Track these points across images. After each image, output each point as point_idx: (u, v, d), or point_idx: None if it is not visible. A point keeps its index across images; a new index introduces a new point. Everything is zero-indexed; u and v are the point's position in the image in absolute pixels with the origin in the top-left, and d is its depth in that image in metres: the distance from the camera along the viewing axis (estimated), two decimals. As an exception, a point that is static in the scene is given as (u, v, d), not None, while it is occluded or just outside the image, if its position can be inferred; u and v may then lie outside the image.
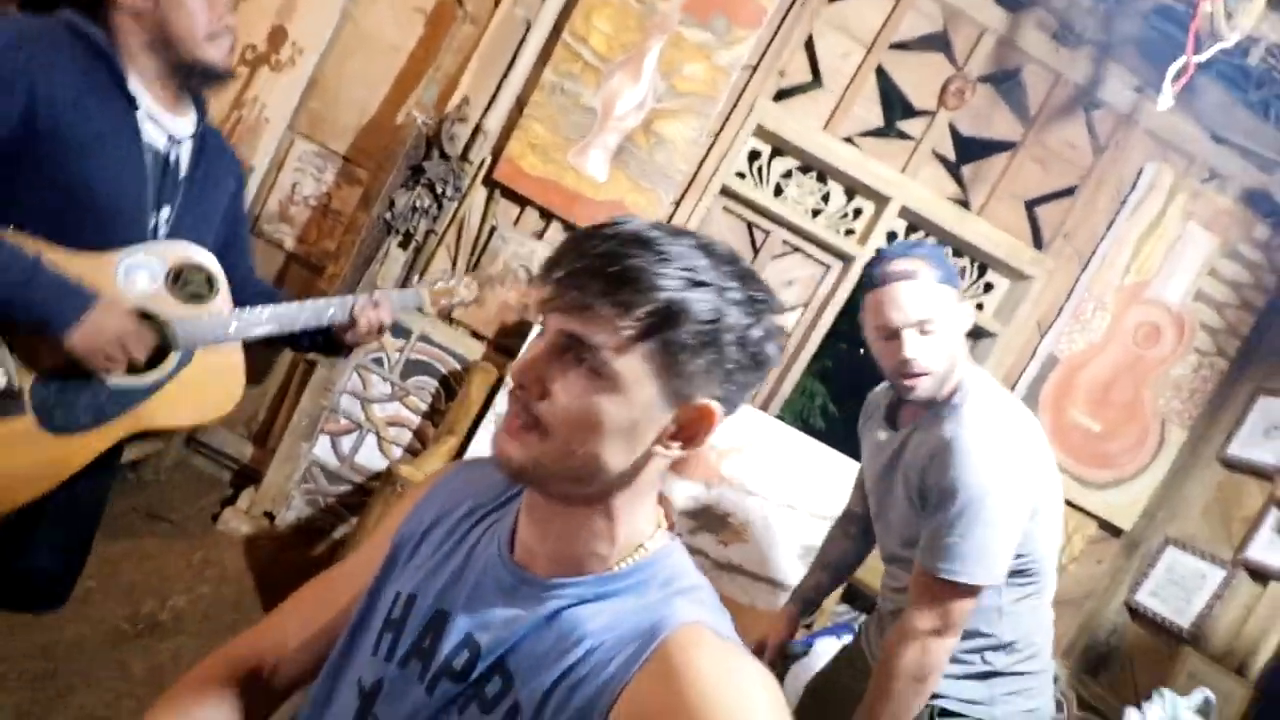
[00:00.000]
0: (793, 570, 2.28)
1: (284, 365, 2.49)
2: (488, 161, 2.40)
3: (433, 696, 0.62)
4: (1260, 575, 2.23)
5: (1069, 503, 2.40)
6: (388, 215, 2.37)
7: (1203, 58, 1.69)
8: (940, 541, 1.18)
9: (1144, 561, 2.51)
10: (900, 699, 1.20)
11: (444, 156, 2.40)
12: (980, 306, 2.56)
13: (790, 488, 2.30)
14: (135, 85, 1.11)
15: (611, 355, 0.56)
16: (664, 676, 0.54)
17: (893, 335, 1.22)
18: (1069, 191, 2.48)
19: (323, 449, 2.45)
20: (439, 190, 2.38)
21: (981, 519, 1.16)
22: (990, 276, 2.55)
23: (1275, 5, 1.68)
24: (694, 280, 0.55)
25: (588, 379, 0.57)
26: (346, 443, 2.45)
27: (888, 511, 1.36)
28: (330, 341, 1.36)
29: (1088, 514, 2.55)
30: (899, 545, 1.34)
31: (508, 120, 2.40)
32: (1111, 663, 2.51)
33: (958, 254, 2.54)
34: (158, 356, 1.17)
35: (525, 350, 0.61)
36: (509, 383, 2.34)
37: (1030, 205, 2.50)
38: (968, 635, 1.25)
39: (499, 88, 2.40)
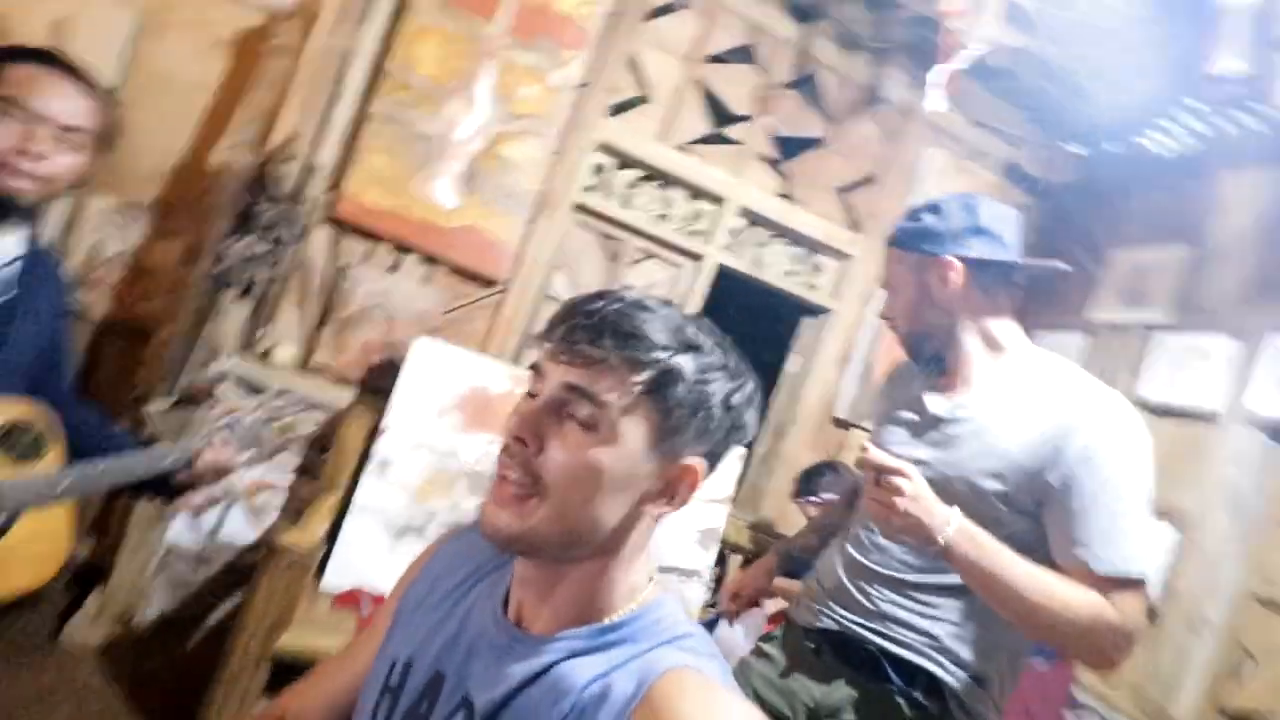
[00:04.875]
0: (692, 555, 2.42)
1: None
2: (328, 200, 2.28)
3: None
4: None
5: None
6: (219, 269, 2.18)
7: (957, 65, 2.04)
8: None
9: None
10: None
11: (273, 199, 2.26)
12: (814, 286, 2.86)
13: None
14: None
15: (616, 410, 0.58)
16: None
17: None
18: (869, 179, 2.84)
19: (178, 531, 2.21)
20: (276, 235, 2.23)
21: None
22: (819, 259, 2.86)
23: (1010, 19, 2.08)
24: (687, 344, 0.59)
25: (584, 433, 0.58)
26: (207, 518, 2.23)
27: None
28: (166, 486, 1.29)
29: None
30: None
31: (339, 155, 2.30)
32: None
33: (793, 243, 2.81)
34: None
35: (517, 407, 0.62)
36: (385, 428, 2.19)
37: (840, 193, 2.83)
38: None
39: (325, 121, 2.29)
